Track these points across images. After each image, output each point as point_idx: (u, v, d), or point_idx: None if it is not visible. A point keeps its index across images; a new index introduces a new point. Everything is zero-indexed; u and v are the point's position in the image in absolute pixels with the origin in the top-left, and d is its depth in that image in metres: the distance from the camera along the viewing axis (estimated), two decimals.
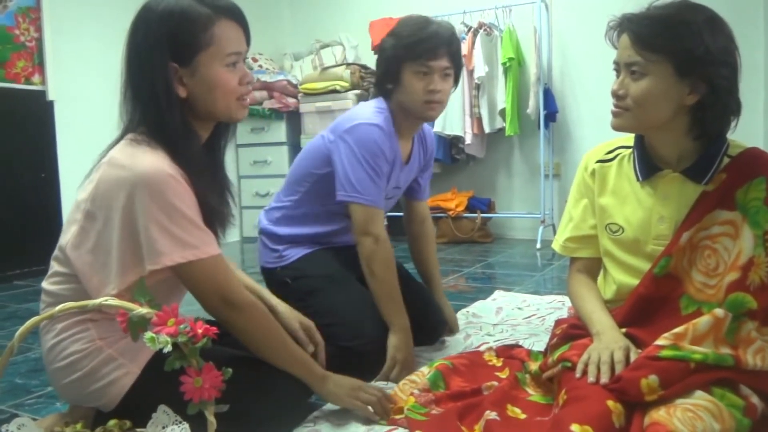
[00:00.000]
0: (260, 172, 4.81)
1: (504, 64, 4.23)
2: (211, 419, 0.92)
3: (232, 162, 4.83)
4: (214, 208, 1.29)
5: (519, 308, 2.44)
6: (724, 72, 1.21)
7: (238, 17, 1.28)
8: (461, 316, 2.29)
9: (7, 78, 3.57)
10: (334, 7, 5.17)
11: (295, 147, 4.69)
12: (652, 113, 1.26)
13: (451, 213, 4.45)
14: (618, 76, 1.29)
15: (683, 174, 1.31)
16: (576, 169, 1.51)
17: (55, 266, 1.28)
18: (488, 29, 4.33)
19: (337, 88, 4.47)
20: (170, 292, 1.31)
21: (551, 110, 4.27)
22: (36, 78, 3.72)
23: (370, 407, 1.41)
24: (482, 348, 1.83)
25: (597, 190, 1.44)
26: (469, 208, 4.47)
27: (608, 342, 1.24)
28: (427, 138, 2.05)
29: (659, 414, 1.07)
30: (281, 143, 4.76)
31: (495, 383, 1.53)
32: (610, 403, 1.10)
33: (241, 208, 4.87)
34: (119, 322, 0.92)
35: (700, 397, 1.10)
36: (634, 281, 1.35)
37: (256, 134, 4.79)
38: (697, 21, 1.20)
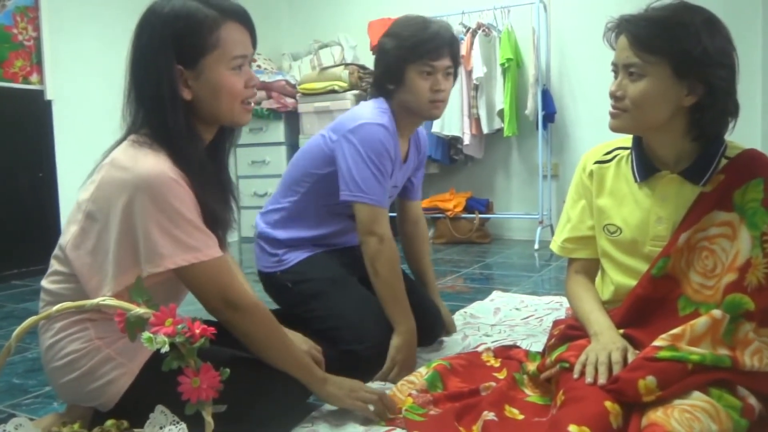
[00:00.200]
0: (258, 172, 4.81)
1: (502, 64, 4.24)
2: (209, 419, 0.92)
3: (230, 162, 4.83)
4: (217, 211, 1.28)
5: (517, 309, 2.44)
6: (722, 73, 1.21)
7: (245, 20, 1.28)
8: (459, 317, 2.29)
9: (5, 77, 3.56)
10: (333, 8, 5.17)
11: (293, 147, 4.69)
12: (650, 114, 1.26)
13: (449, 213, 4.45)
14: (616, 78, 1.30)
15: (681, 175, 1.31)
16: (574, 170, 1.51)
17: (55, 265, 1.28)
18: (487, 30, 4.33)
19: (336, 88, 4.47)
20: (169, 294, 1.31)
21: (549, 111, 4.27)
22: (34, 77, 3.72)
23: (370, 407, 1.41)
24: (480, 348, 1.84)
25: (595, 191, 1.44)
26: (468, 208, 4.47)
27: (606, 343, 1.24)
28: (420, 138, 2.05)
29: (657, 415, 1.07)
30: (279, 143, 4.76)
31: (493, 384, 1.53)
32: (608, 403, 1.10)
33: (240, 208, 4.86)
34: (117, 322, 0.92)
35: (697, 398, 1.10)
36: (632, 282, 1.35)
37: (255, 134, 4.79)
38: (695, 22, 1.20)
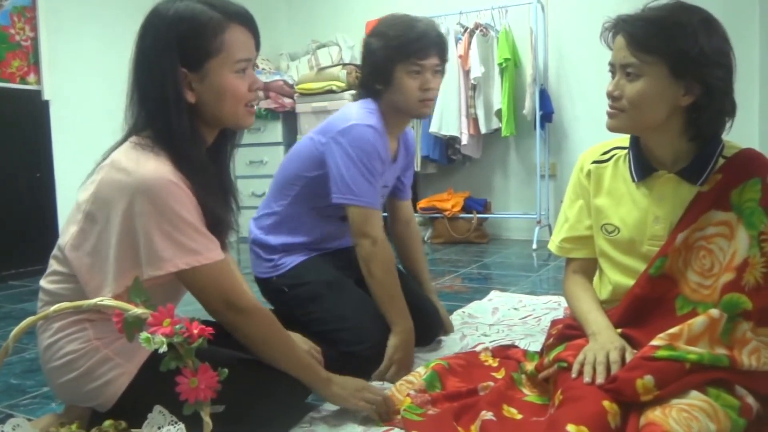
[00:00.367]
0: (256, 172, 4.80)
1: (500, 64, 4.24)
2: (207, 420, 0.92)
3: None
4: (218, 214, 1.28)
5: (515, 309, 2.45)
6: (719, 73, 1.21)
7: (249, 23, 1.28)
8: (457, 317, 2.29)
9: (3, 78, 3.56)
10: (331, 8, 5.17)
11: (291, 147, 4.67)
12: (647, 114, 1.26)
13: (447, 213, 4.45)
14: (613, 78, 1.30)
15: (678, 175, 1.31)
16: (572, 170, 1.52)
17: (54, 265, 1.28)
18: (484, 30, 4.33)
19: (334, 88, 4.47)
20: (168, 294, 1.31)
21: (547, 111, 4.27)
22: (31, 77, 3.71)
23: (374, 407, 1.40)
24: (478, 348, 1.84)
25: (592, 191, 1.44)
26: (466, 208, 4.47)
27: (604, 342, 1.24)
28: (408, 136, 2.05)
29: (655, 414, 1.07)
30: (277, 143, 4.76)
31: (491, 383, 1.53)
32: (606, 403, 1.10)
33: (240, 208, 4.85)
34: (115, 322, 0.92)
35: (695, 398, 1.10)
36: (630, 282, 1.35)
37: (252, 134, 4.79)
38: (692, 22, 1.20)
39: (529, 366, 1.50)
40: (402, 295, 1.75)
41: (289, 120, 4.74)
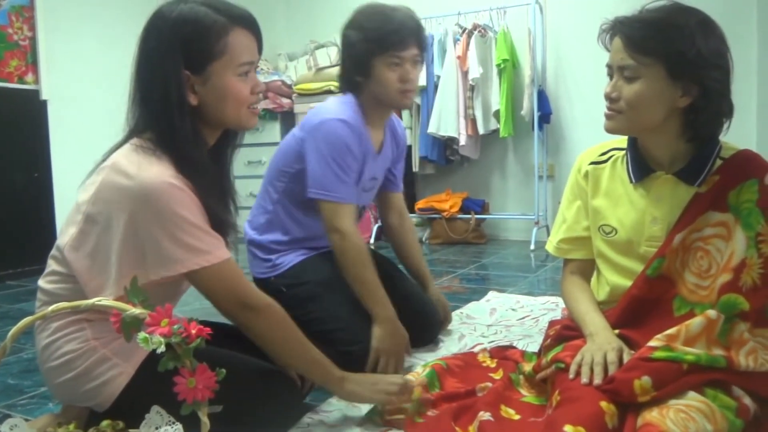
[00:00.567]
0: (255, 172, 4.79)
1: (498, 65, 4.24)
2: (205, 420, 0.92)
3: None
4: (218, 216, 1.28)
5: (513, 309, 2.45)
6: (716, 75, 1.21)
7: (252, 26, 1.28)
8: (455, 317, 2.29)
9: (0, 77, 3.55)
10: (329, 8, 5.17)
11: None
12: (644, 116, 1.26)
13: (445, 214, 4.45)
14: (611, 79, 1.30)
15: (676, 176, 1.31)
16: (570, 171, 1.52)
17: (52, 265, 1.28)
18: (483, 31, 4.33)
19: (332, 88, 4.47)
20: (167, 295, 1.31)
21: (545, 112, 4.28)
22: (29, 77, 3.71)
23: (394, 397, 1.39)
24: (476, 349, 1.84)
25: (590, 192, 1.45)
26: (464, 209, 4.47)
27: (601, 343, 1.24)
28: (397, 129, 2.05)
29: (652, 415, 1.07)
30: (276, 144, 4.71)
31: (489, 384, 1.53)
32: (603, 404, 1.11)
33: (238, 209, 4.85)
34: (113, 322, 0.92)
35: (692, 398, 1.11)
36: (627, 282, 1.35)
37: (251, 134, 4.78)
38: (690, 24, 1.21)
39: (527, 367, 1.50)
40: (379, 285, 1.74)
41: (288, 120, 4.74)
